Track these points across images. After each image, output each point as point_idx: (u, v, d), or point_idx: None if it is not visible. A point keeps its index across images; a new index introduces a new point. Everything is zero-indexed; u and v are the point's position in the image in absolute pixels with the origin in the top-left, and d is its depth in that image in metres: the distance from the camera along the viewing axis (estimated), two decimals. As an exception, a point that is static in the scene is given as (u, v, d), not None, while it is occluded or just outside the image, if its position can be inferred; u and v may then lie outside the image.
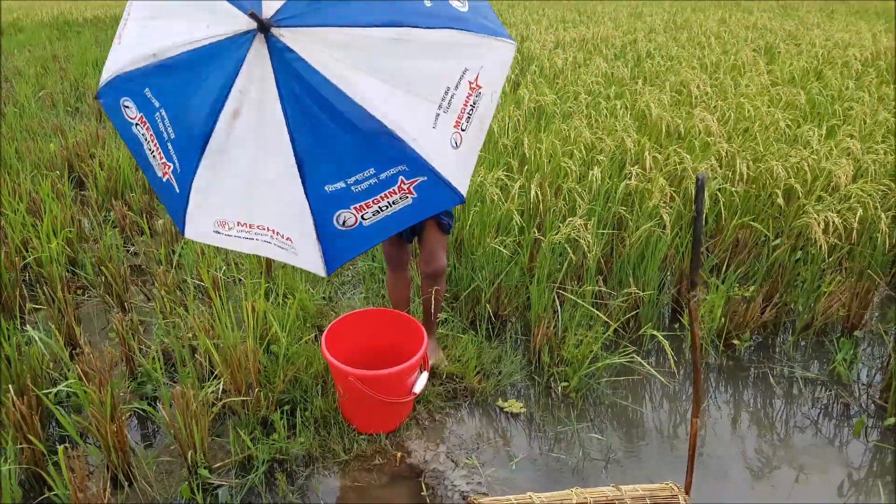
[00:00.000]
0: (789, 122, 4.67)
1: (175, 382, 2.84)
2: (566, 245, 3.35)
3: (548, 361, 3.10)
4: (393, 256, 2.81)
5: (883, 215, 3.50)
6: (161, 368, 2.81)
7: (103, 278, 3.45)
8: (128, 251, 4.15)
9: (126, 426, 2.43)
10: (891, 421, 2.83)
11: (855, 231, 3.50)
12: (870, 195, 3.67)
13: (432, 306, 2.81)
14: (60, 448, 2.13)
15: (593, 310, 3.11)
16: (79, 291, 3.67)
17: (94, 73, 8.25)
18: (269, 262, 3.61)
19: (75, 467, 2.05)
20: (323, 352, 2.54)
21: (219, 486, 2.40)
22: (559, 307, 3.15)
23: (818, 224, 3.35)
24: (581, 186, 3.73)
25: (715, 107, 5.12)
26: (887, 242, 3.53)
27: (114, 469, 2.35)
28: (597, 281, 3.42)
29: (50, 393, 2.62)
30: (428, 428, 2.77)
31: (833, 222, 3.42)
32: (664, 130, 4.58)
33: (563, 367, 3.06)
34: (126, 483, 2.39)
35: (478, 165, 4.10)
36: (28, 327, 2.86)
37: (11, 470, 2.20)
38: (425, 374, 2.67)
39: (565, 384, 3.03)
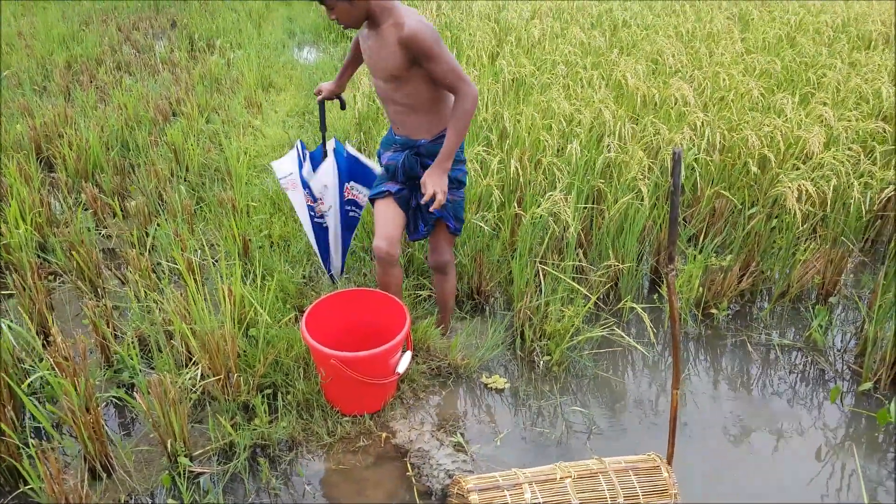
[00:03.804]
0: (763, 91, 4.67)
1: (153, 369, 2.79)
2: (549, 217, 3.33)
3: (530, 336, 3.10)
4: (382, 252, 2.72)
5: (856, 182, 3.53)
6: (137, 355, 2.75)
7: (75, 263, 3.36)
8: (100, 234, 4.05)
9: (102, 416, 2.38)
10: (866, 386, 2.89)
11: (829, 199, 3.53)
12: (842, 163, 3.69)
13: (444, 300, 3.04)
14: (32, 442, 2.09)
15: (574, 284, 3.11)
16: (50, 277, 3.58)
17: (60, 50, 7.97)
18: (245, 242, 3.55)
19: (50, 459, 2.00)
20: (303, 335, 2.51)
21: (200, 473, 2.37)
22: (542, 280, 3.15)
23: (792, 192, 3.37)
24: (560, 160, 3.71)
25: (691, 76, 5.10)
26: (862, 208, 3.56)
27: (91, 460, 2.30)
28: (577, 254, 3.42)
29: (22, 385, 2.56)
30: (413, 407, 2.76)
31: (807, 190, 3.44)
32: (640, 101, 4.56)
33: (546, 341, 3.06)
34: (104, 474, 2.35)
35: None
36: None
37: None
38: (409, 354, 2.65)
39: (548, 358, 3.04)
